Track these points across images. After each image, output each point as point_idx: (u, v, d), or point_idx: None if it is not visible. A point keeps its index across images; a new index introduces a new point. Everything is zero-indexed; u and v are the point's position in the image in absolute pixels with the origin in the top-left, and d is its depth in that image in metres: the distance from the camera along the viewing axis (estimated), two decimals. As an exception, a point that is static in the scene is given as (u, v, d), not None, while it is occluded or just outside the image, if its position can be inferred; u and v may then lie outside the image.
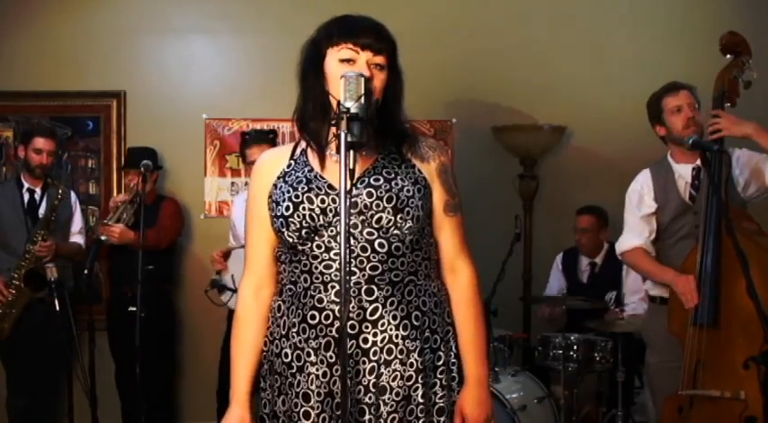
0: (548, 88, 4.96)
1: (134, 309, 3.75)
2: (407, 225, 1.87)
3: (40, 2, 4.92)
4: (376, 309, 1.89)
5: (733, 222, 2.78)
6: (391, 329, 1.89)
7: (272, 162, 2.02)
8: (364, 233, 1.87)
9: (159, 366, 4.38)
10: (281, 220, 1.90)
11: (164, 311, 4.58)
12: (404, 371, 1.90)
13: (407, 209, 1.87)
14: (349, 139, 1.68)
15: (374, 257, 1.87)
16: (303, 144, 1.99)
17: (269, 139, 4.15)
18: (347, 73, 1.76)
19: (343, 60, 1.86)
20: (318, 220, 1.87)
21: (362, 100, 1.73)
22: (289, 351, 1.94)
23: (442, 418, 1.95)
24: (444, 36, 4.90)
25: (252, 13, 4.97)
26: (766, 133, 3.02)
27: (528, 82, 4.96)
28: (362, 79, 1.75)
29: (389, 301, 1.89)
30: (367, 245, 1.87)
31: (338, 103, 1.75)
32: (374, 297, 1.88)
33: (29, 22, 4.90)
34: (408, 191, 1.89)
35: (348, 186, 1.69)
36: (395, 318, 1.90)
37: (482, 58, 4.93)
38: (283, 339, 1.96)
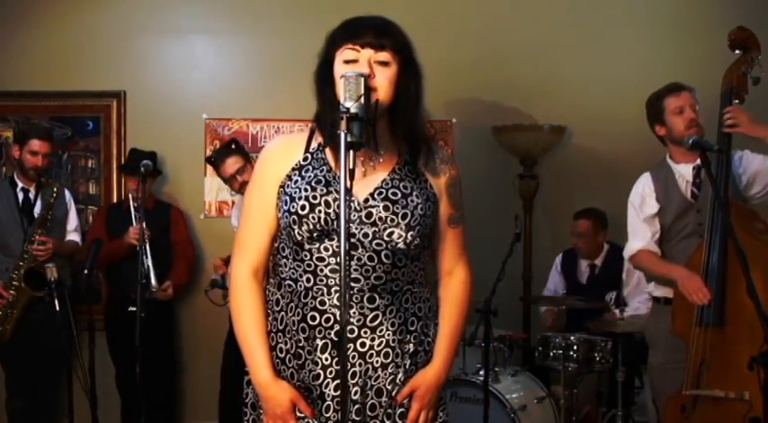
0: (548, 88, 4.96)
1: (134, 309, 3.75)
2: (416, 242, 1.89)
3: (40, 2, 4.91)
4: (376, 316, 1.90)
5: (741, 221, 2.76)
6: (389, 335, 1.91)
7: (284, 151, 1.97)
8: (373, 244, 1.87)
9: (159, 367, 4.40)
10: (293, 216, 1.88)
11: (164, 313, 4.60)
12: (398, 373, 1.92)
13: (418, 227, 1.89)
14: (349, 139, 1.68)
15: (380, 267, 1.88)
16: (320, 138, 1.96)
17: (234, 149, 4.21)
18: (346, 73, 1.77)
19: (346, 61, 1.85)
20: (332, 225, 1.87)
21: (362, 100, 1.72)
22: (284, 346, 1.95)
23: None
24: (444, 36, 4.90)
25: (252, 14, 4.96)
26: None
27: (528, 82, 4.96)
28: (362, 79, 1.75)
29: (389, 309, 1.91)
30: (374, 255, 1.88)
31: (338, 103, 1.76)
32: (375, 305, 1.90)
33: (29, 22, 4.89)
34: (421, 209, 1.91)
35: (348, 185, 1.69)
36: (393, 325, 1.92)
37: (482, 58, 4.93)
38: (280, 334, 1.96)
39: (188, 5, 4.99)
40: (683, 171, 3.28)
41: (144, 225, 4.06)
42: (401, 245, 1.88)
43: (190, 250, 4.68)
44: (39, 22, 4.90)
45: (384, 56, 1.85)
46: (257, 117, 4.89)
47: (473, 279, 2.06)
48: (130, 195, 4.45)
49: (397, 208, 1.88)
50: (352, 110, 1.70)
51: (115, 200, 4.86)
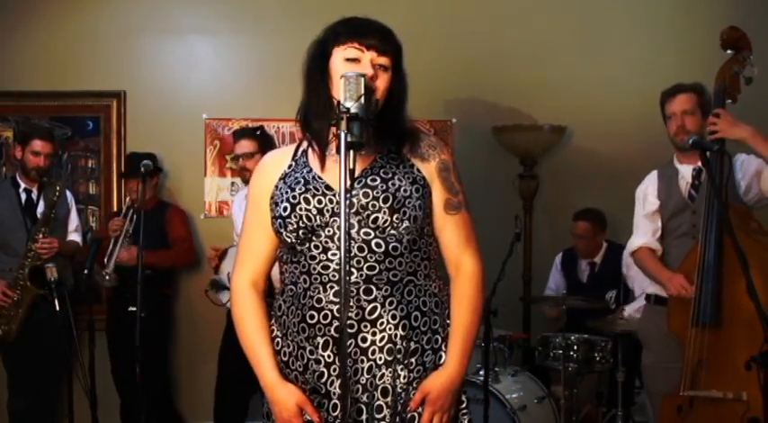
0: (548, 88, 4.96)
1: (134, 309, 3.75)
2: (404, 225, 1.87)
3: (40, 2, 4.91)
4: (374, 308, 1.88)
5: (735, 221, 2.77)
6: (390, 329, 1.89)
7: (274, 163, 2.02)
8: (361, 233, 1.87)
9: (156, 368, 4.41)
10: (279, 220, 1.91)
11: (162, 316, 4.62)
12: (401, 370, 1.89)
13: (404, 209, 1.87)
14: (349, 139, 1.68)
15: (371, 257, 1.87)
16: (305, 145, 1.99)
17: (255, 135, 4.20)
18: (347, 73, 1.77)
19: (348, 59, 1.87)
20: (315, 221, 1.87)
21: (362, 100, 1.73)
22: (287, 350, 1.95)
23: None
24: (444, 36, 4.90)
25: (252, 14, 4.96)
26: (762, 138, 3.00)
27: (528, 82, 4.95)
28: (362, 79, 1.75)
29: (388, 300, 1.89)
30: (364, 245, 1.86)
31: (338, 103, 1.76)
32: (372, 297, 1.88)
33: (29, 22, 4.89)
34: (406, 191, 1.89)
35: (349, 186, 1.69)
36: (394, 317, 1.89)
37: (482, 58, 4.93)
38: (283, 337, 1.96)
39: (188, 5, 4.99)
40: (685, 172, 3.32)
41: (128, 220, 4.17)
42: (390, 230, 1.86)
43: (183, 247, 4.62)
44: (39, 22, 4.90)
45: (385, 60, 1.88)
46: (257, 117, 4.88)
47: (483, 270, 1.99)
48: (128, 197, 4.47)
49: (377, 192, 1.86)
50: (353, 110, 1.70)
51: (115, 200, 4.88)
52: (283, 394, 1.90)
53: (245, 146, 4.11)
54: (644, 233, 3.40)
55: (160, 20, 4.94)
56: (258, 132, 4.23)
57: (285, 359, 1.95)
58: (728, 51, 3.17)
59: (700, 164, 3.20)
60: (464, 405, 1.99)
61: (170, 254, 4.54)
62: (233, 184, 4.89)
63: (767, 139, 3.01)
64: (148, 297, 4.08)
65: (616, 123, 4.89)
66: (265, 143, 4.17)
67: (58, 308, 3.57)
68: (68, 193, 4.40)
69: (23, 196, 4.23)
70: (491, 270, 3.76)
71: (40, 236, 4.07)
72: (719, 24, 3.21)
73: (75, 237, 4.38)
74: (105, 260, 4.22)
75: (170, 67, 4.96)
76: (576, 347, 4.05)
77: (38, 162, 4.16)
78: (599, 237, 4.63)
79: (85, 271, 3.69)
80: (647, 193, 3.41)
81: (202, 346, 4.80)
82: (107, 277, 4.17)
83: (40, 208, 4.19)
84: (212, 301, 4.14)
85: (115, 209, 4.82)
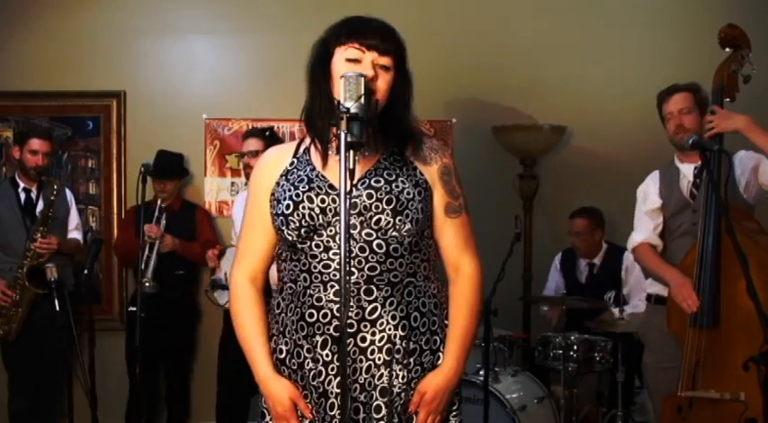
0: (548, 88, 4.96)
1: (134, 309, 3.75)
2: (406, 227, 1.87)
3: (40, 2, 4.92)
4: (375, 309, 1.88)
5: (732, 221, 2.77)
6: (390, 329, 1.89)
7: (275, 160, 2.01)
8: (363, 234, 1.87)
9: (182, 367, 4.47)
10: (281, 218, 1.90)
11: (190, 313, 4.69)
12: (399, 370, 1.90)
13: (407, 211, 1.87)
14: (349, 139, 1.68)
15: (372, 258, 1.87)
16: (307, 142, 1.99)
17: (263, 135, 4.21)
18: (347, 73, 1.76)
19: (349, 60, 1.86)
20: (318, 220, 1.87)
21: (362, 100, 1.72)
22: (284, 347, 1.95)
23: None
24: (444, 36, 4.91)
25: (252, 14, 4.97)
26: (757, 128, 2.98)
27: (528, 82, 4.95)
28: (362, 79, 1.75)
29: (389, 301, 1.89)
30: (365, 245, 1.87)
31: (338, 103, 1.76)
32: (373, 297, 1.88)
33: (29, 22, 4.90)
34: (409, 193, 1.89)
35: (348, 186, 1.69)
36: (394, 318, 1.89)
37: (482, 58, 4.93)
38: (280, 335, 1.96)
39: (188, 5, 5.00)
40: (686, 171, 3.32)
41: (161, 224, 4.28)
42: (392, 231, 1.86)
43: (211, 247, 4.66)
44: (39, 22, 4.90)
45: (386, 60, 1.87)
46: (257, 117, 4.89)
47: (482, 273, 2.00)
48: (159, 197, 4.49)
49: (381, 194, 1.87)
50: (353, 110, 1.70)
51: (115, 200, 4.89)
52: (277, 388, 1.91)
53: (252, 144, 4.13)
54: (645, 229, 3.39)
55: (160, 20, 4.95)
56: (267, 133, 4.26)
57: (281, 357, 1.95)
58: (727, 49, 3.17)
59: (701, 162, 3.20)
60: (455, 406, 1.99)
61: (199, 247, 4.53)
62: (233, 184, 4.90)
63: (763, 128, 2.99)
64: (178, 297, 4.17)
65: (616, 123, 4.89)
66: (273, 144, 4.19)
67: (58, 308, 3.57)
68: (68, 192, 4.41)
69: (23, 196, 4.23)
70: (491, 270, 3.76)
71: (39, 235, 4.08)
72: (719, 24, 3.21)
73: (76, 234, 4.39)
74: (142, 267, 4.22)
75: (170, 67, 4.97)
76: (575, 347, 4.05)
77: (36, 161, 4.17)
78: (597, 234, 4.62)
79: (85, 271, 3.69)
80: (649, 192, 3.40)
81: (203, 345, 4.80)
82: (147, 284, 4.21)
83: (40, 207, 4.19)
84: (212, 301, 4.15)
85: (114, 208, 4.82)
